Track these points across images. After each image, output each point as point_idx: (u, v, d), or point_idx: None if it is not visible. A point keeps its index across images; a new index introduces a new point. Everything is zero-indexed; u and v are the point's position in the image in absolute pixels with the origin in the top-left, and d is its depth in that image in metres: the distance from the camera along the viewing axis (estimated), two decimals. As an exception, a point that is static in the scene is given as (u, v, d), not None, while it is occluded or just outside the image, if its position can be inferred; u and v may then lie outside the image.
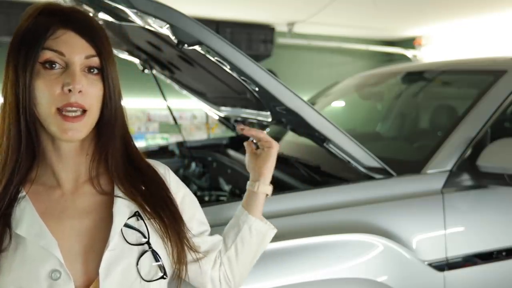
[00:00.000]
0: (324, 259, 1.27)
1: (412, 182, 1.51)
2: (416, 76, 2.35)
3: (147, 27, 1.29)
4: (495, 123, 1.63)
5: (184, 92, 2.39)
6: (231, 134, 2.90)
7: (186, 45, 1.19)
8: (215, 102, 2.34)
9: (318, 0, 4.73)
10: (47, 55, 0.79)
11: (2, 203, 0.81)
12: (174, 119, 2.49)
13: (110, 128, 0.87)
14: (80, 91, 0.79)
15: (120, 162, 0.90)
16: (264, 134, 1.15)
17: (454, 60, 2.37)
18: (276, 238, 1.23)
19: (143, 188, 0.90)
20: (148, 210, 0.89)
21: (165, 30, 1.20)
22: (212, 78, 1.83)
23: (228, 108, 2.25)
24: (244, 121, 2.52)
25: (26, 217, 0.81)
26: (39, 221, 0.81)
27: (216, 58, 1.26)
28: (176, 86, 2.36)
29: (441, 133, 1.73)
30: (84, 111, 0.81)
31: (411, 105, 2.36)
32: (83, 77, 0.81)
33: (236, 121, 1.21)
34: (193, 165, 2.50)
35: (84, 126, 0.82)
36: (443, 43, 6.53)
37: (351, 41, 6.76)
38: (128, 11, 1.16)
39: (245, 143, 1.24)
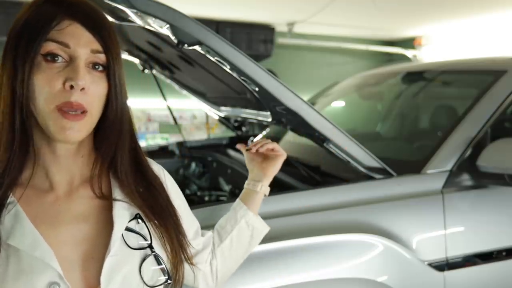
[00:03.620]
0: (324, 259, 1.27)
1: (412, 182, 1.51)
2: (416, 76, 2.35)
3: (147, 27, 1.29)
4: (495, 123, 1.63)
5: (184, 92, 2.39)
6: (231, 134, 2.90)
7: (186, 45, 1.19)
8: (215, 102, 2.34)
9: (318, 0, 4.73)
10: (50, 46, 0.73)
11: None
12: (174, 119, 2.49)
13: (116, 129, 0.81)
14: (82, 89, 0.74)
15: (127, 164, 0.85)
16: (275, 145, 1.22)
17: (454, 60, 2.37)
18: (276, 238, 1.23)
19: (142, 190, 0.86)
20: (150, 213, 0.84)
21: (165, 30, 1.20)
22: (212, 78, 1.83)
23: (228, 108, 2.25)
24: (244, 121, 2.52)
25: (18, 225, 0.74)
26: (32, 229, 0.74)
27: (216, 58, 1.26)
28: (176, 86, 2.36)
29: (441, 133, 1.73)
30: (83, 112, 0.75)
31: (411, 105, 2.35)
32: (87, 74, 0.75)
33: (252, 140, 1.32)
34: (193, 165, 2.51)
35: (84, 127, 0.76)
36: (443, 43, 6.53)
37: (351, 41, 6.76)
38: (128, 11, 1.16)
39: (239, 147, 1.31)
